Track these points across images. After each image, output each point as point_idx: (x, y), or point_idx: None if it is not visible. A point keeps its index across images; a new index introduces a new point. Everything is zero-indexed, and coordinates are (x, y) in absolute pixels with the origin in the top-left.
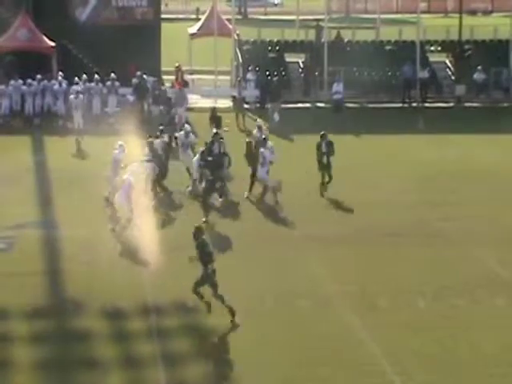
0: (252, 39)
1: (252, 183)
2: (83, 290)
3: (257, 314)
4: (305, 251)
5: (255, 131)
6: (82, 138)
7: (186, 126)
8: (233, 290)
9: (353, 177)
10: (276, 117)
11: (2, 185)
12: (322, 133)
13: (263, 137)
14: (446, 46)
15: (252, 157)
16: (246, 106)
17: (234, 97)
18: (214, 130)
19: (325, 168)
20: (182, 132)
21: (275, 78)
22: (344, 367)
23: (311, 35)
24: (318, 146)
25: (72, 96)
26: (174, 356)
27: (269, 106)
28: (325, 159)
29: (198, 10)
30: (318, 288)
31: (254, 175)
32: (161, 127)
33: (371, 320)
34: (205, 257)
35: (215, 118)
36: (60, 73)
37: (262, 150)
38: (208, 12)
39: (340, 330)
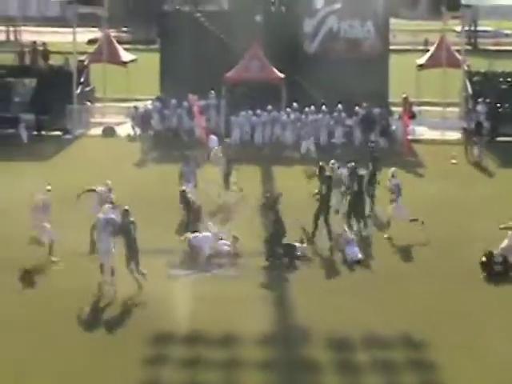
0: (482, 70)
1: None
2: (308, 317)
3: (478, 351)
4: None
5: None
6: None
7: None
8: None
9: None
10: (476, 151)
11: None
12: None
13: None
14: None
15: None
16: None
17: (464, 129)
18: None
19: None
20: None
21: (483, 111)
22: None
23: None
24: None
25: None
26: None
27: (474, 139)
28: None
29: (426, 41)
30: None
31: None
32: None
33: None
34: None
35: None
36: (294, 104)
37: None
38: (437, 43)
39: None
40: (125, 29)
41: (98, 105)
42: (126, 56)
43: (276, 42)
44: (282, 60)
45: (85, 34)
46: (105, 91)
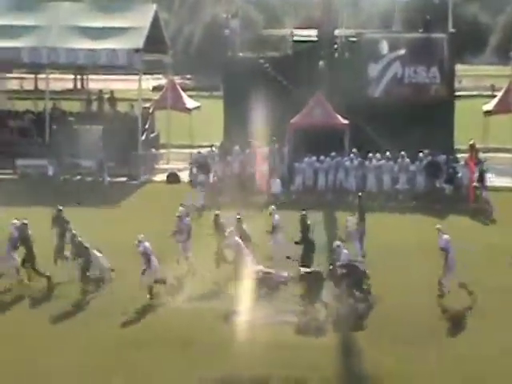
0: None
1: None
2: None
3: None
4: None
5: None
6: None
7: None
8: None
9: None
10: None
11: None
12: None
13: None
14: None
15: None
16: None
17: None
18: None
19: None
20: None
21: None
22: None
23: None
24: None
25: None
26: None
27: None
28: None
29: (493, 86)
30: None
31: None
32: None
33: None
34: None
35: None
36: (353, 150)
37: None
38: (505, 88)
39: None
40: (189, 76)
41: (162, 151)
42: (190, 103)
43: (340, 88)
44: (345, 105)
45: (150, 82)
46: (169, 137)
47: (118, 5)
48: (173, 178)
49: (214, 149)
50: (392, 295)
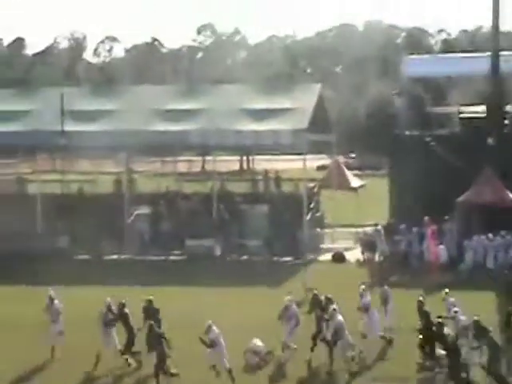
0: None
1: None
2: None
3: None
4: None
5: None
6: None
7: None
8: None
9: None
10: None
11: None
12: None
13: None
14: None
15: None
16: None
17: None
18: None
19: None
20: None
21: None
22: None
23: None
24: None
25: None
26: None
27: None
28: None
29: None
30: None
31: None
32: None
33: None
34: None
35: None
36: None
37: None
38: None
39: None
40: (352, 155)
41: (327, 230)
42: (354, 181)
43: (510, 165)
44: None
45: (314, 161)
46: (334, 217)
47: (282, 85)
48: (338, 257)
49: (379, 227)
50: None
